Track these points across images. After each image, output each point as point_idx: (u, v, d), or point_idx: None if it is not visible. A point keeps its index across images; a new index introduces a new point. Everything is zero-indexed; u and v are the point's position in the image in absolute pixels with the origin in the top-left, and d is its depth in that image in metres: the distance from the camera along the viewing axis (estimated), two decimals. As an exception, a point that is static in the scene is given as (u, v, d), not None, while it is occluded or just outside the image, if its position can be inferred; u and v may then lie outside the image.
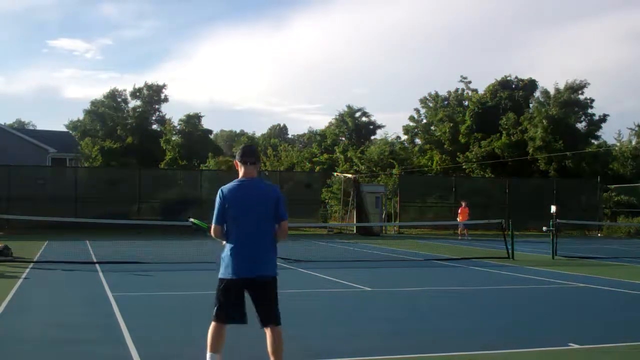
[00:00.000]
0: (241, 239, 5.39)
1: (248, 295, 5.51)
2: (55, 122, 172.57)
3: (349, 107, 62.41)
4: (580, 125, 45.90)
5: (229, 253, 5.43)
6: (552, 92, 45.31)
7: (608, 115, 45.54)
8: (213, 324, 5.64)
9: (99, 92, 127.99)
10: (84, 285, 12.34)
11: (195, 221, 6.61)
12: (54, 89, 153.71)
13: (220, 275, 5.53)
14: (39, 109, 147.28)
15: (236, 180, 5.49)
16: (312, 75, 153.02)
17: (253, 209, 5.39)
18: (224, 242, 5.53)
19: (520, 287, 13.14)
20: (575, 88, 44.72)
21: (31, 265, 15.34)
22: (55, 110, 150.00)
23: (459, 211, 30.22)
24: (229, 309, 5.53)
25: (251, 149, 5.60)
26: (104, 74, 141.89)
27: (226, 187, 5.46)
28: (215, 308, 5.61)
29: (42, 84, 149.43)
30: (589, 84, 44.94)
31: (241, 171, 5.50)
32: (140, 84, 64.13)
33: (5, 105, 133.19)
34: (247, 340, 7.54)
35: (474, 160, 46.19)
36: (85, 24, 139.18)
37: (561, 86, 45.20)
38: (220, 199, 5.44)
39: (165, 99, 61.79)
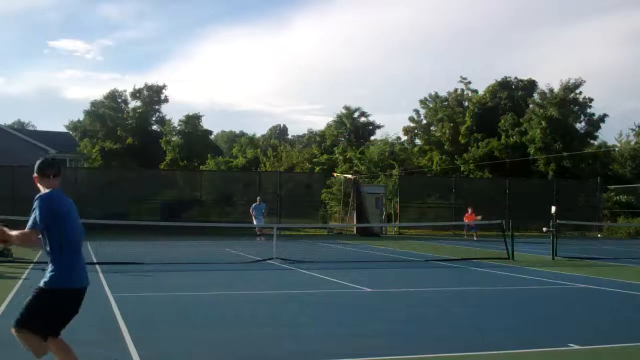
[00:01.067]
0: (75, 248, 5.29)
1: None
2: (55, 122, 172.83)
3: (346, 108, 62.51)
4: (580, 125, 45.91)
5: (70, 262, 5.22)
6: (547, 93, 45.30)
7: (607, 115, 45.56)
8: (38, 336, 5.34)
9: (100, 92, 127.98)
10: (84, 285, 12.32)
11: None
12: (54, 89, 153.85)
13: (62, 286, 5.21)
14: (39, 110, 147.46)
15: (51, 190, 5.24)
16: (313, 76, 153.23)
17: (75, 219, 5.39)
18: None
19: (521, 287, 13.14)
20: (571, 87, 44.71)
21: (31, 266, 15.34)
22: (56, 111, 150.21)
23: (465, 217, 30.17)
24: (66, 319, 5.41)
25: (51, 161, 5.43)
26: (105, 74, 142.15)
27: (50, 195, 5.17)
28: (49, 321, 5.32)
29: (43, 84, 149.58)
30: (584, 81, 44.99)
31: (45, 183, 5.24)
32: (140, 84, 64.14)
33: (5, 106, 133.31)
34: (241, 340, 7.55)
35: (472, 161, 46.20)
36: (86, 25, 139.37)
37: (555, 86, 45.24)
38: (48, 204, 5.09)
39: (165, 100, 61.92)
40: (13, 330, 5.39)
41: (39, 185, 5.29)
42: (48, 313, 5.30)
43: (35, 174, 5.27)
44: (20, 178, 30.92)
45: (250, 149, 69.27)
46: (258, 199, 28.40)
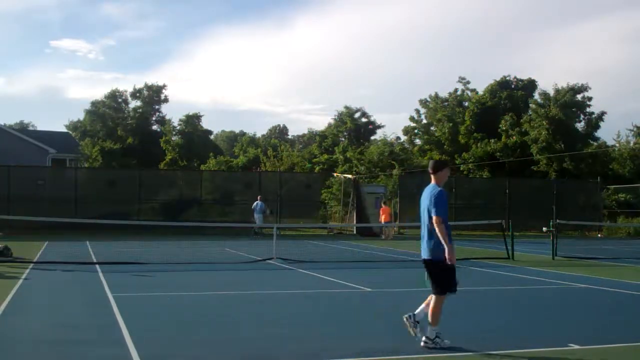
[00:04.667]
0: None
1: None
2: (58, 122, 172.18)
3: (346, 107, 62.53)
4: (580, 125, 45.91)
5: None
6: (551, 93, 45.32)
7: (605, 112, 45.54)
8: (443, 298, 7.13)
9: (102, 92, 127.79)
10: (84, 285, 12.34)
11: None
12: (57, 89, 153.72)
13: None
14: (42, 110, 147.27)
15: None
16: (314, 76, 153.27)
17: None
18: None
19: (520, 287, 13.14)
20: (577, 90, 44.69)
21: (31, 265, 15.34)
22: (59, 111, 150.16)
23: (380, 212, 30.48)
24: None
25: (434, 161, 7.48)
26: (107, 74, 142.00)
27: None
28: (453, 285, 7.18)
29: (45, 84, 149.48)
30: (590, 88, 45.00)
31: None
32: (140, 84, 64.09)
33: (8, 107, 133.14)
34: (241, 340, 7.56)
35: (471, 161, 46.18)
36: (88, 25, 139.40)
37: (560, 87, 45.17)
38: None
39: (165, 100, 61.86)
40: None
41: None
42: (454, 278, 7.25)
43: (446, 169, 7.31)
44: (17, 178, 30.98)
45: (252, 147, 69.32)
46: (259, 197, 30.28)
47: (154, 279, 13.47)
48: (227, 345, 7.30)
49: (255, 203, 30.05)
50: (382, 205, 30.88)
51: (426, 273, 7.31)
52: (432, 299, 7.16)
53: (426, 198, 7.18)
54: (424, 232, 7.18)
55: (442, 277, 7.08)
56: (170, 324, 8.49)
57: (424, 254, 7.18)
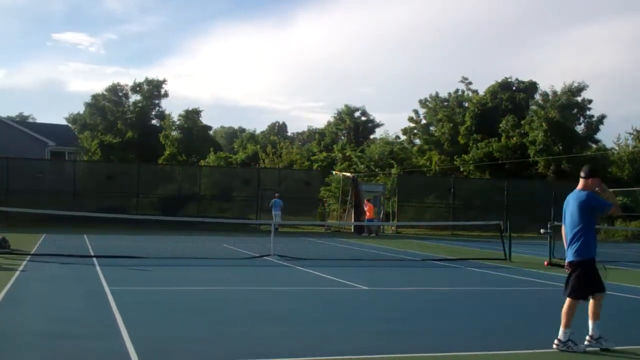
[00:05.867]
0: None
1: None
2: (58, 116, 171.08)
3: (346, 106, 62.52)
4: (579, 128, 45.92)
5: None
6: (550, 94, 45.32)
7: (605, 116, 45.57)
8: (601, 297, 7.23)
9: (103, 86, 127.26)
10: (81, 279, 12.33)
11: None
12: (58, 82, 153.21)
13: (592, 255, 7.13)
14: (42, 102, 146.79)
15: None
16: (316, 74, 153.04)
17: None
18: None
19: (518, 288, 13.15)
20: (574, 91, 44.70)
21: (28, 257, 15.34)
22: (59, 104, 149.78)
23: (366, 209, 31.12)
24: None
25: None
26: (108, 68, 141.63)
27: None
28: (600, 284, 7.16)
29: (46, 77, 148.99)
30: (587, 86, 45.00)
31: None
32: (141, 79, 63.90)
33: (8, 99, 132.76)
34: (238, 337, 7.55)
35: (471, 162, 46.19)
36: (90, 18, 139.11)
37: (559, 88, 45.23)
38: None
39: (166, 94, 61.66)
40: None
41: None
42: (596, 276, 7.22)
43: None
44: (16, 169, 30.92)
45: (251, 144, 69.24)
46: (276, 195, 31.18)
47: (152, 274, 13.47)
48: (224, 341, 7.29)
49: (272, 200, 30.77)
50: (366, 202, 31.38)
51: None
52: (591, 305, 7.25)
53: (573, 203, 7.18)
54: (569, 236, 7.20)
55: (589, 276, 7.12)
56: (168, 319, 8.49)
57: (570, 257, 7.20)
